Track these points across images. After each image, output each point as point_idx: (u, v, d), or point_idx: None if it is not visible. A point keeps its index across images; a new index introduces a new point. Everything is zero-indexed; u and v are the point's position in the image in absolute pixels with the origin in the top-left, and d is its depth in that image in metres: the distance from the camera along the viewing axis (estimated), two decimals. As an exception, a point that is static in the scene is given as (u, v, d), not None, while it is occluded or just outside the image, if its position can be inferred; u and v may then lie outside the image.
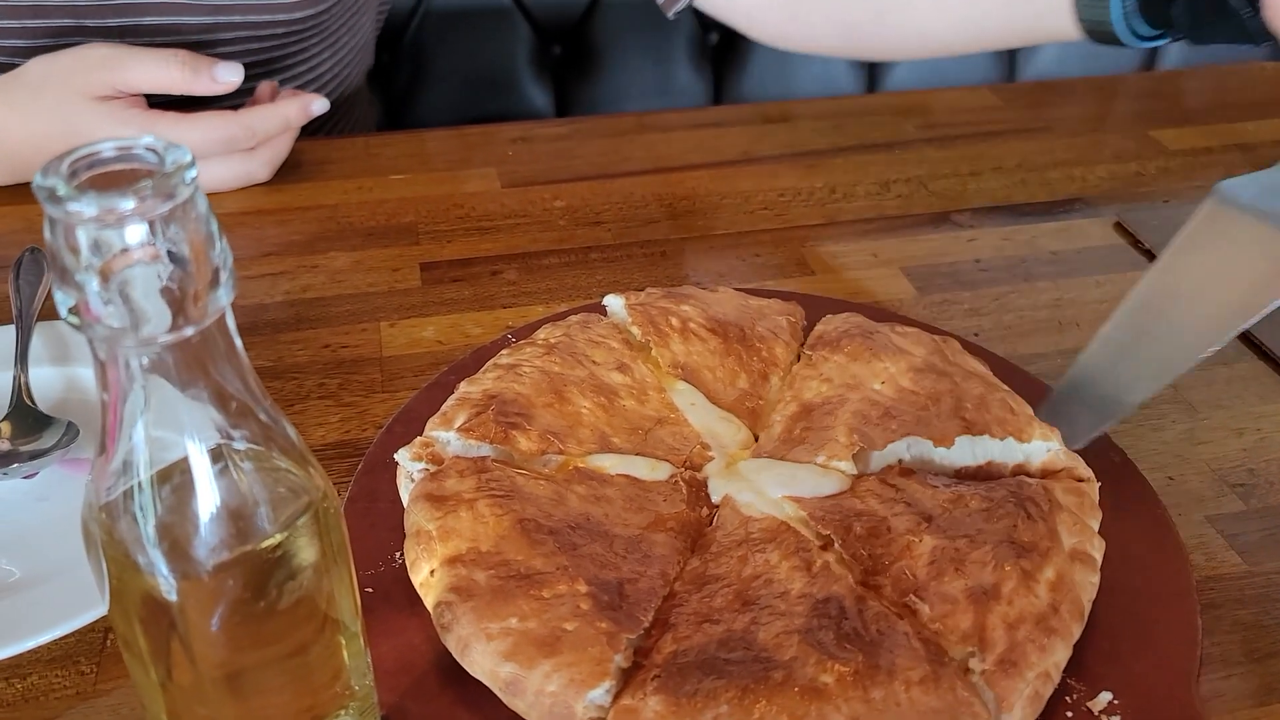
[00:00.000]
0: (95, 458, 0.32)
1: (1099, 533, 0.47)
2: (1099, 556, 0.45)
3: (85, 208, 0.27)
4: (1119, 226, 0.74)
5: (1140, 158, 0.83)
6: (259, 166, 0.73)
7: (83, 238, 0.27)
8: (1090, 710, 0.42)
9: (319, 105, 0.71)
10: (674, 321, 0.56)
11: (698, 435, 0.51)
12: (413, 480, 0.48)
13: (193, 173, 0.28)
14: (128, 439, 0.31)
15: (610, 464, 0.49)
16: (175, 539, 0.32)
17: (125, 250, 0.28)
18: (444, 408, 0.51)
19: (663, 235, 0.72)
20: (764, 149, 0.83)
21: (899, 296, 0.67)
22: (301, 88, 0.81)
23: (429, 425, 0.50)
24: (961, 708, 0.39)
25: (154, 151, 0.29)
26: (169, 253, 0.28)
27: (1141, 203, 0.77)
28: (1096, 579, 0.45)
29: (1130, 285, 0.68)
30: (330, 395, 0.58)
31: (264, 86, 0.75)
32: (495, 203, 0.75)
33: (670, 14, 0.68)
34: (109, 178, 0.29)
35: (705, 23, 1.17)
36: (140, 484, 0.32)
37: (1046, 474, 0.50)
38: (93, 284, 0.28)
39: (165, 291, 0.29)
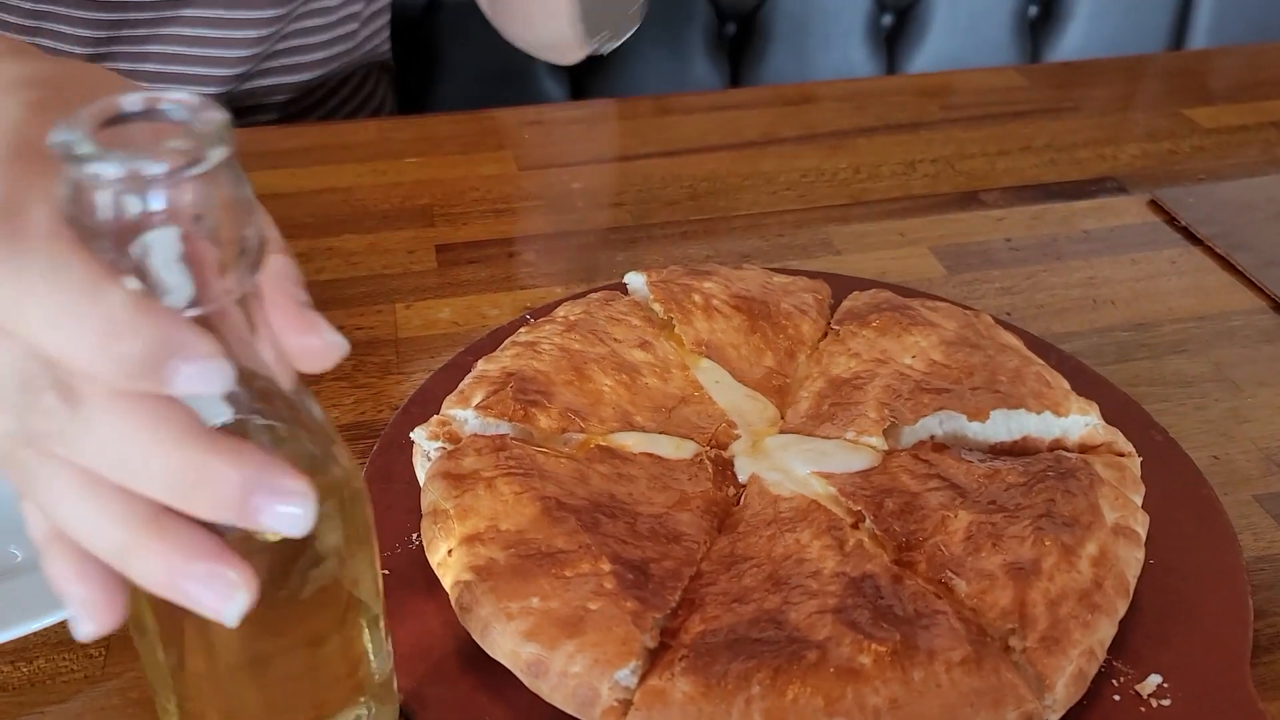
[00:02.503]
0: None
1: (1142, 508, 0.45)
2: (1143, 532, 0.43)
3: (108, 169, 0.24)
4: (1154, 205, 0.72)
5: (1174, 136, 0.80)
6: None
7: (101, 201, 0.25)
8: (1139, 694, 0.40)
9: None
10: (697, 298, 0.55)
11: (723, 413, 0.50)
12: (429, 459, 0.46)
13: (227, 132, 0.26)
14: None
15: (633, 442, 0.47)
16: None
17: (147, 214, 0.25)
18: (461, 386, 0.49)
19: (684, 216, 0.71)
20: (785, 130, 0.81)
21: (929, 275, 0.65)
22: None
23: (445, 404, 0.49)
24: (1006, 690, 0.37)
25: (184, 107, 0.26)
26: (196, 219, 0.26)
27: (1176, 182, 0.74)
28: (1141, 554, 0.43)
29: (1167, 264, 0.67)
30: (344, 376, 0.57)
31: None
32: (511, 185, 0.74)
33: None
34: (130, 133, 0.27)
35: (722, 13, 1.16)
36: None
37: (1085, 449, 0.48)
38: (105, 249, 0.26)
39: (189, 260, 0.26)
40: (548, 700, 0.38)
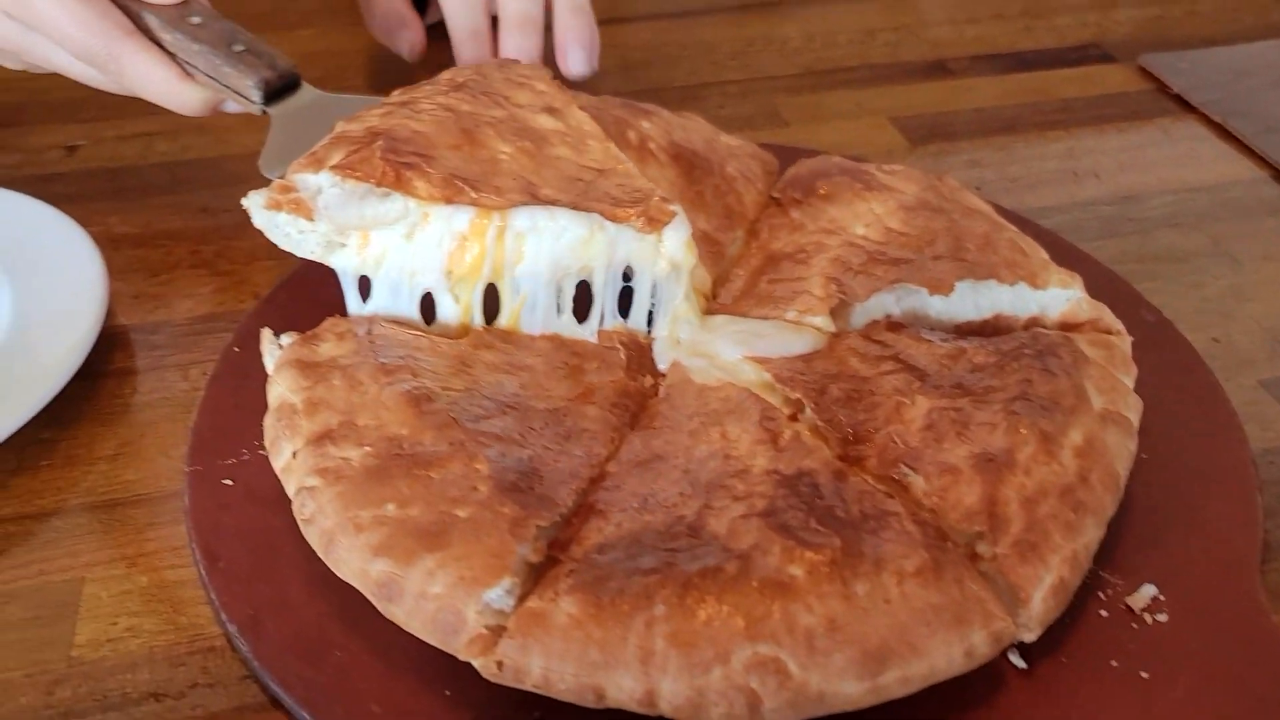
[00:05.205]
0: None
1: (1135, 392, 0.38)
2: (1135, 419, 0.36)
3: None
4: (1142, 72, 0.64)
5: (1163, 2, 0.72)
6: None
7: None
8: (1129, 608, 0.33)
9: None
10: (631, 135, 0.45)
11: (652, 189, 0.39)
12: (280, 348, 0.38)
13: None
14: None
15: (539, 220, 0.38)
16: None
17: None
18: (313, 149, 0.39)
19: (613, 88, 0.62)
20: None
21: (889, 147, 0.57)
22: None
23: (292, 168, 0.38)
24: (970, 605, 0.30)
25: None
26: None
27: (1167, 49, 0.66)
28: (1133, 444, 0.36)
29: (1158, 133, 0.59)
30: (204, 264, 0.48)
31: None
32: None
33: None
34: None
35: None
36: None
37: (1066, 328, 0.40)
38: None
39: None
40: (405, 628, 0.30)
